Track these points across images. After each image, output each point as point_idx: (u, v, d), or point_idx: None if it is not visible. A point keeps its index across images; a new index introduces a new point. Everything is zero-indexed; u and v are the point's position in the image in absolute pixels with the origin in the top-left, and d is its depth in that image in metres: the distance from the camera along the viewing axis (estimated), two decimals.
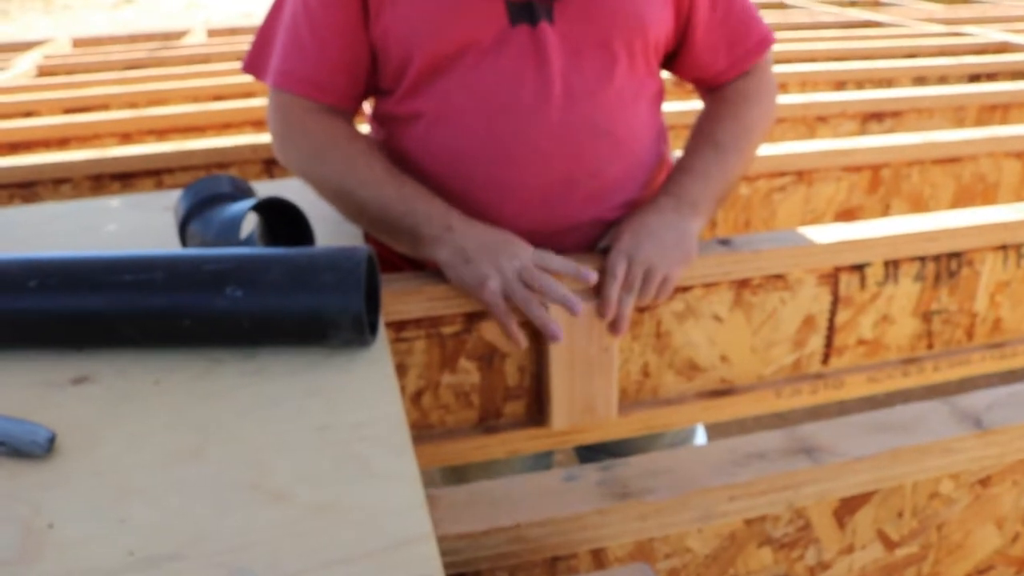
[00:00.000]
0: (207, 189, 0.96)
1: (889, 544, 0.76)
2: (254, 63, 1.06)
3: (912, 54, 2.81)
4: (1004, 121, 2.18)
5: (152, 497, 0.58)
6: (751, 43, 1.12)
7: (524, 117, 0.97)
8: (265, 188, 1.18)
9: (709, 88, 1.16)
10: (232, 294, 0.75)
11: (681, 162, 1.07)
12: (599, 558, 0.63)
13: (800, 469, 0.65)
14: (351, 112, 1.06)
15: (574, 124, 0.98)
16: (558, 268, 0.94)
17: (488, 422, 1.02)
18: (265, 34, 1.05)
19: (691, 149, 1.08)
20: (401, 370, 0.98)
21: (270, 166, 1.76)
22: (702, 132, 1.10)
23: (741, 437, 0.73)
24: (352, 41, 0.99)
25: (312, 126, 1.02)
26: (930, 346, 1.26)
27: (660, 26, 1.03)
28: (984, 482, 0.77)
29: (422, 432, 1.00)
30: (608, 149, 1.02)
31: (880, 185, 1.71)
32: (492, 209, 0.99)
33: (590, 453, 1.24)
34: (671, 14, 1.05)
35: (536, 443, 1.03)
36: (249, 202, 0.93)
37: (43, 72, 3.00)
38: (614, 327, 0.98)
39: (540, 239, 1.00)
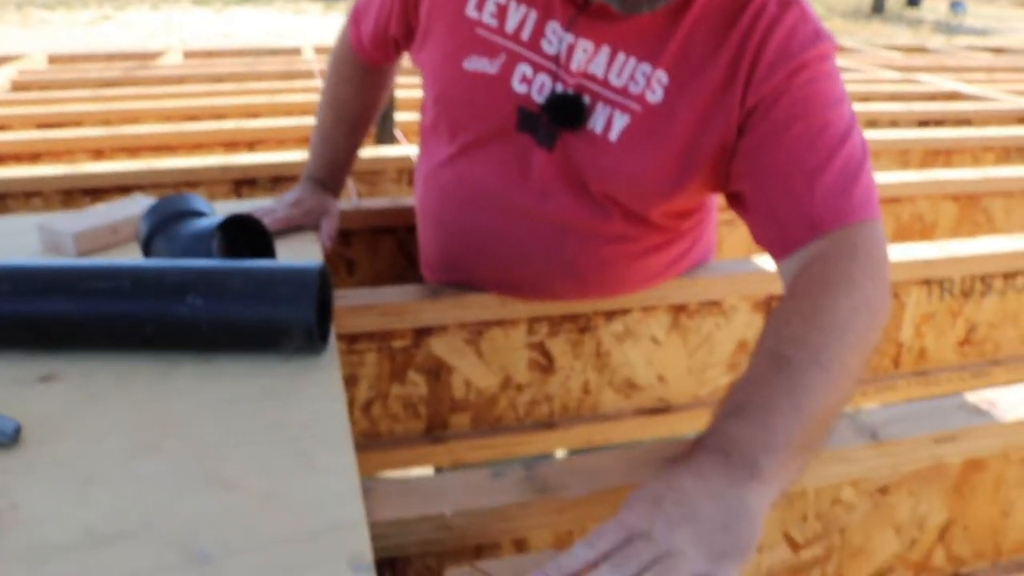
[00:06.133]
0: (171, 207, 1.02)
1: (794, 546, 0.83)
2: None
3: (866, 98, 2.92)
4: (947, 165, 2.29)
5: (111, 484, 0.63)
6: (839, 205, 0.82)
7: (499, 209, 1.02)
8: (233, 208, 1.23)
9: (779, 261, 0.87)
10: (192, 302, 0.81)
11: (733, 392, 0.71)
12: (521, 548, 0.69)
13: None
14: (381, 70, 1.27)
15: (539, 248, 1.02)
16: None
17: (435, 432, 1.08)
18: None
19: (750, 368, 0.73)
20: (353, 381, 1.03)
21: (239, 186, 1.81)
22: (763, 338, 0.75)
23: (663, 442, 0.79)
24: (385, 29, 1.13)
25: (336, 61, 1.29)
26: None
27: (674, 196, 0.95)
28: (882, 490, 0.84)
29: (371, 440, 1.06)
30: (565, 277, 1.05)
31: None
32: (467, 259, 1.08)
33: None
34: (701, 180, 0.93)
35: (480, 453, 1.08)
36: (217, 218, 0.98)
37: (17, 87, 3.03)
38: None
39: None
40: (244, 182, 1.79)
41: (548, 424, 1.14)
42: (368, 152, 1.86)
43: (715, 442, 0.66)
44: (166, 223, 1.01)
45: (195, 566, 0.55)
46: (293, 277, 0.81)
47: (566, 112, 0.93)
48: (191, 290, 0.81)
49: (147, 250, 1.02)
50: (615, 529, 0.59)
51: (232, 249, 1.03)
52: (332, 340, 0.86)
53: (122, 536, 0.58)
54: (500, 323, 1.09)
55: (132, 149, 2.11)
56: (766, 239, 0.88)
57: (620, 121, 0.92)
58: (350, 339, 1.02)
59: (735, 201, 0.92)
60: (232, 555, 0.56)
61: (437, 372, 1.06)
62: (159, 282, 0.82)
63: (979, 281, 1.38)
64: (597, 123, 0.93)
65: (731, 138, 0.88)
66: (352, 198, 1.47)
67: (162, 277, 0.83)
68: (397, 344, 1.04)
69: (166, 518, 0.59)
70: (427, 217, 1.11)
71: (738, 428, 0.67)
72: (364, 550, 0.56)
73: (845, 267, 0.78)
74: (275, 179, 1.78)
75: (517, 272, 1.04)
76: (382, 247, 1.46)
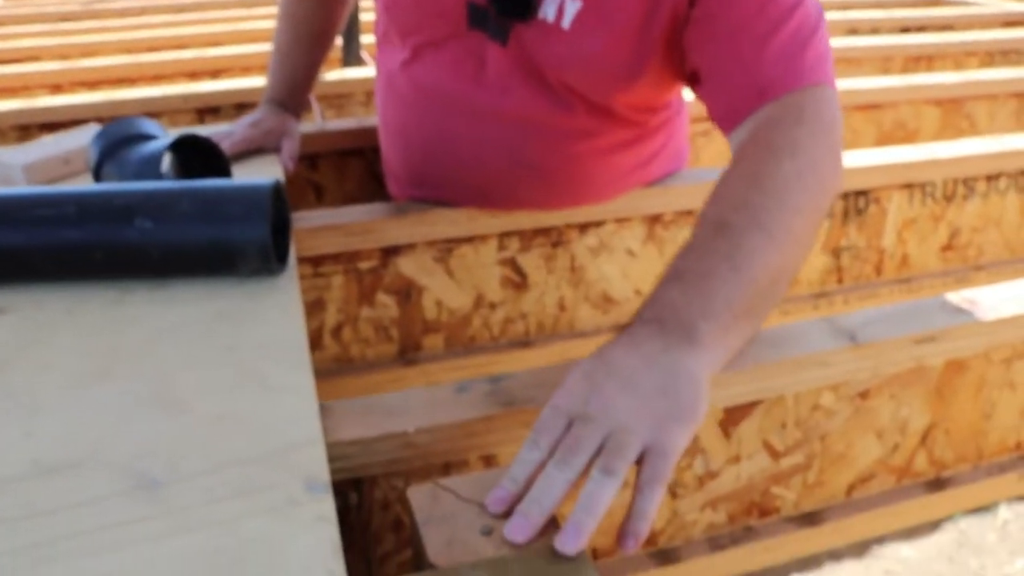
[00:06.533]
0: (120, 131, 0.97)
1: (775, 454, 0.81)
2: None
3: (847, 6, 2.86)
4: (929, 71, 2.24)
5: (58, 414, 0.60)
6: (788, 67, 0.79)
7: (459, 111, 1.00)
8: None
9: (729, 133, 0.84)
10: (141, 225, 0.77)
11: (672, 263, 0.69)
12: (490, 464, 0.67)
13: None
14: None
15: (502, 149, 0.99)
16: None
17: (408, 355, 1.05)
18: None
19: (691, 237, 0.70)
20: (320, 305, 1.00)
21: (202, 115, 1.76)
22: (705, 206, 0.72)
23: None
24: None
25: None
26: (840, 281, 1.32)
27: (635, 82, 0.92)
28: (863, 395, 0.82)
29: (343, 366, 1.04)
30: (531, 180, 1.02)
31: None
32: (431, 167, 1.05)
33: None
34: (659, 62, 0.90)
35: (455, 375, 1.06)
36: (167, 140, 0.94)
37: None
38: (518, 531, 0.53)
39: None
40: (207, 111, 1.73)
41: (524, 343, 1.12)
42: (334, 75, 1.80)
43: (650, 312, 0.64)
44: (116, 148, 0.97)
45: (144, 492, 0.53)
46: (245, 195, 0.78)
47: (514, 2, 0.90)
48: (139, 213, 0.78)
49: (98, 177, 0.98)
50: (553, 417, 0.57)
51: (187, 174, 0.99)
52: (292, 261, 0.83)
53: (68, 465, 0.56)
54: (470, 239, 1.06)
55: (91, 83, 2.05)
56: (718, 112, 0.85)
57: (572, 7, 0.89)
58: (315, 262, 0.99)
59: (693, 82, 0.89)
60: (183, 479, 0.54)
61: (407, 293, 1.03)
62: (106, 206, 0.79)
63: (962, 184, 1.35)
64: (548, 11, 0.90)
65: (683, 9, 0.85)
66: (317, 120, 1.42)
67: (109, 201, 0.79)
68: (364, 265, 1.00)
69: (115, 445, 0.57)
70: (388, 127, 1.08)
71: (674, 295, 0.64)
72: (321, 470, 0.54)
73: (791, 131, 0.74)
74: (239, 106, 1.72)
75: (482, 178, 1.01)
76: (350, 170, 1.41)
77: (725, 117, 0.83)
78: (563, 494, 0.54)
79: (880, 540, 1.93)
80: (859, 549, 1.91)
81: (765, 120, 0.78)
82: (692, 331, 0.61)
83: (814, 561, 1.87)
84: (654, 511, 0.54)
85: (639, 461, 0.55)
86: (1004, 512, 2.02)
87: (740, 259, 0.65)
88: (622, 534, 0.54)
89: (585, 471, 0.55)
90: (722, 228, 0.67)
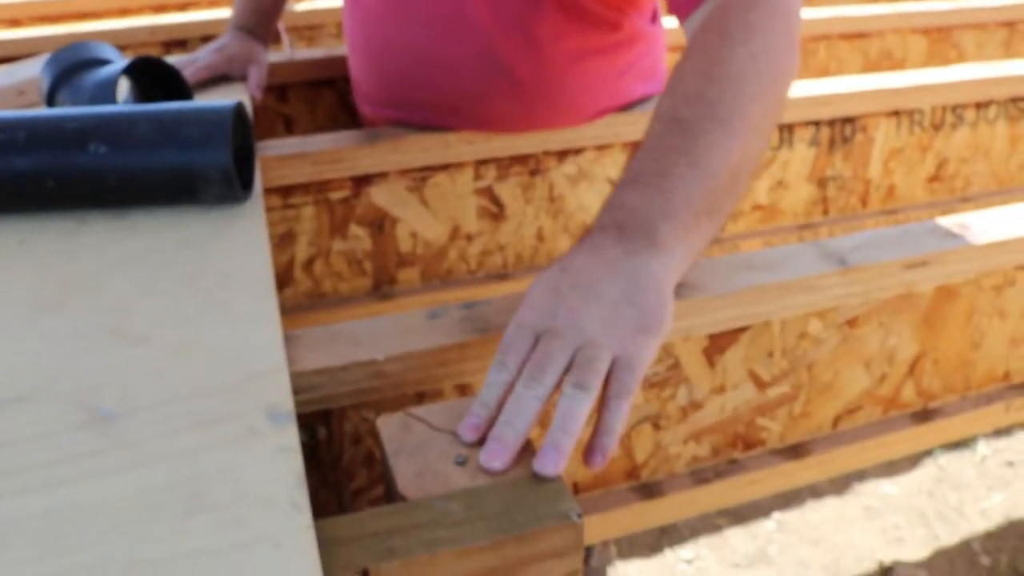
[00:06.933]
0: (74, 55, 0.92)
1: (760, 384, 0.79)
2: None
3: None
4: None
5: (6, 347, 0.57)
6: None
7: (426, 19, 0.95)
8: None
9: (684, 23, 0.80)
10: (96, 150, 0.73)
11: (628, 166, 0.66)
12: (465, 393, 0.64)
13: None
14: None
15: (472, 56, 0.95)
16: None
17: (382, 289, 1.02)
18: None
19: (645, 137, 0.67)
20: (290, 238, 0.97)
21: (169, 48, 1.70)
22: (659, 103, 0.69)
23: None
24: None
25: None
26: (825, 212, 1.29)
27: None
28: (851, 323, 0.79)
29: (315, 300, 1.00)
30: (505, 90, 0.97)
31: None
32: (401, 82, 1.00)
33: None
34: None
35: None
36: (123, 63, 0.89)
37: None
38: (494, 456, 0.50)
39: None
40: (174, 43, 1.67)
41: (502, 275, 1.08)
42: (304, 5, 1.74)
43: (609, 217, 0.61)
44: (69, 73, 0.92)
45: (97, 425, 0.50)
46: (205, 117, 0.74)
47: None
48: (93, 138, 0.74)
49: (51, 105, 0.93)
50: (518, 335, 0.55)
51: (146, 102, 0.94)
52: (258, 189, 0.79)
53: (17, 399, 0.53)
54: (445, 167, 1.02)
55: (52, 17, 1.97)
56: (673, 1, 0.80)
57: None
58: (284, 192, 0.95)
59: None
60: (138, 411, 0.51)
61: (380, 224, 0.99)
62: (57, 131, 0.75)
63: (950, 112, 1.32)
64: None
65: None
66: (286, 50, 1.37)
67: (60, 125, 0.75)
68: (335, 195, 0.97)
69: (67, 377, 0.54)
70: (355, 44, 1.04)
71: (632, 198, 0.61)
72: (284, 399, 0.51)
73: (744, 15, 0.70)
74: (206, 38, 1.66)
75: (454, 90, 0.97)
76: (321, 101, 1.36)
77: (680, 5, 0.79)
78: (536, 413, 0.51)
79: (861, 476, 1.94)
80: (840, 485, 1.91)
81: (719, 5, 0.73)
82: (653, 233, 0.59)
83: (795, 498, 1.88)
84: (622, 426, 0.53)
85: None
86: (983, 448, 2.03)
87: (697, 155, 0.62)
88: (589, 450, 0.52)
89: (556, 387, 0.52)
90: (677, 124, 0.64)
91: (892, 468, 1.96)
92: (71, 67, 0.91)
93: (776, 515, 1.82)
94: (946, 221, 0.82)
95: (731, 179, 0.64)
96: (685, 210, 0.60)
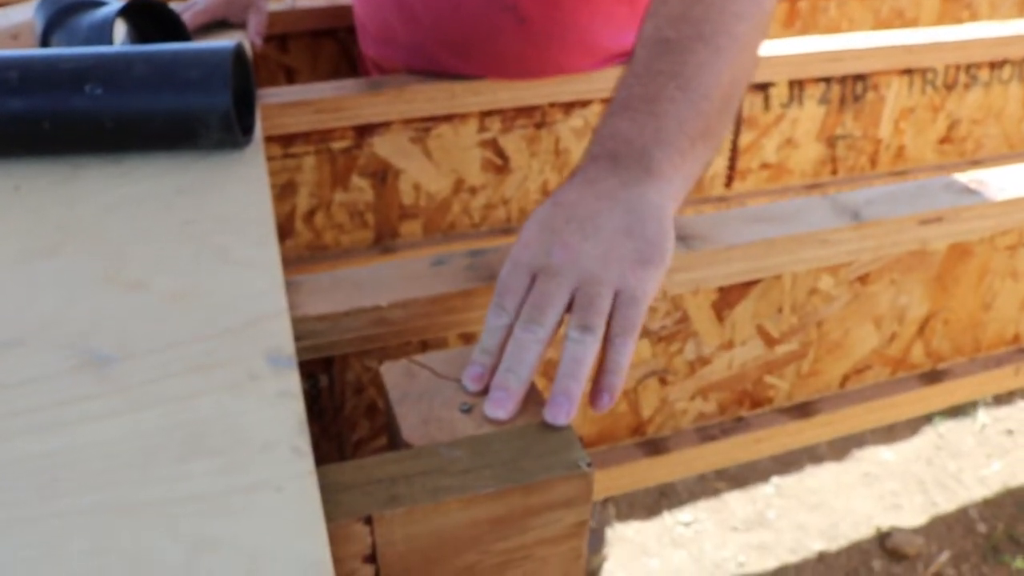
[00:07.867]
0: None
1: (769, 340, 0.77)
2: None
3: None
4: None
5: (1, 292, 0.56)
6: None
7: None
8: None
9: None
10: (92, 92, 0.71)
11: (615, 92, 0.63)
12: (469, 342, 0.63)
13: (675, 254, 0.64)
14: None
15: None
16: None
17: (384, 242, 1.00)
18: None
19: (631, 62, 0.64)
20: (291, 188, 0.95)
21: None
22: (642, 27, 0.66)
23: None
24: None
25: None
26: (834, 172, 1.27)
27: None
28: (862, 279, 0.78)
29: (316, 253, 0.99)
30: (512, 27, 0.94)
31: (797, 18, 1.68)
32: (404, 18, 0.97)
33: None
34: None
35: None
36: (117, 4, 0.87)
37: None
38: (499, 405, 0.49)
39: None
40: None
41: (505, 230, 1.07)
42: None
43: (600, 147, 0.59)
44: (63, 15, 0.90)
45: (92, 369, 0.48)
46: (204, 58, 0.71)
47: None
48: (89, 79, 0.72)
49: (46, 47, 0.91)
50: (513, 275, 0.53)
51: (142, 43, 0.92)
52: (258, 135, 0.77)
53: (10, 343, 0.51)
54: (448, 118, 1.00)
55: None
56: None
57: None
58: (285, 141, 0.93)
59: None
60: (134, 356, 0.49)
61: (383, 175, 0.97)
62: (52, 72, 0.72)
63: (964, 72, 1.29)
64: None
65: None
66: None
67: (55, 66, 0.73)
68: (337, 145, 0.94)
69: (61, 322, 0.52)
70: None
71: (623, 125, 0.59)
72: (285, 343, 0.49)
73: None
74: None
75: (460, 27, 0.94)
76: (323, 51, 1.34)
77: None
78: (538, 356, 0.50)
79: (860, 442, 1.93)
80: (839, 451, 1.91)
81: None
82: (648, 161, 0.56)
83: (794, 462, 1.87)
84: (627, 363, 0.51)
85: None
86: (982, 416, 2.03)
87: (687, 77, 0.59)
88: (596, 390, 0.51)
89: (557, 327, 0.51)
90: (663, 46, 0.61)
91: (891, 435, 1.96)
92: (66, 8, 0.89)
93: (775, 479, 1.82)
94: (962, 177, 0.80)
95: (723, 100, 0.62)
96: (679, 135, 0.58)
